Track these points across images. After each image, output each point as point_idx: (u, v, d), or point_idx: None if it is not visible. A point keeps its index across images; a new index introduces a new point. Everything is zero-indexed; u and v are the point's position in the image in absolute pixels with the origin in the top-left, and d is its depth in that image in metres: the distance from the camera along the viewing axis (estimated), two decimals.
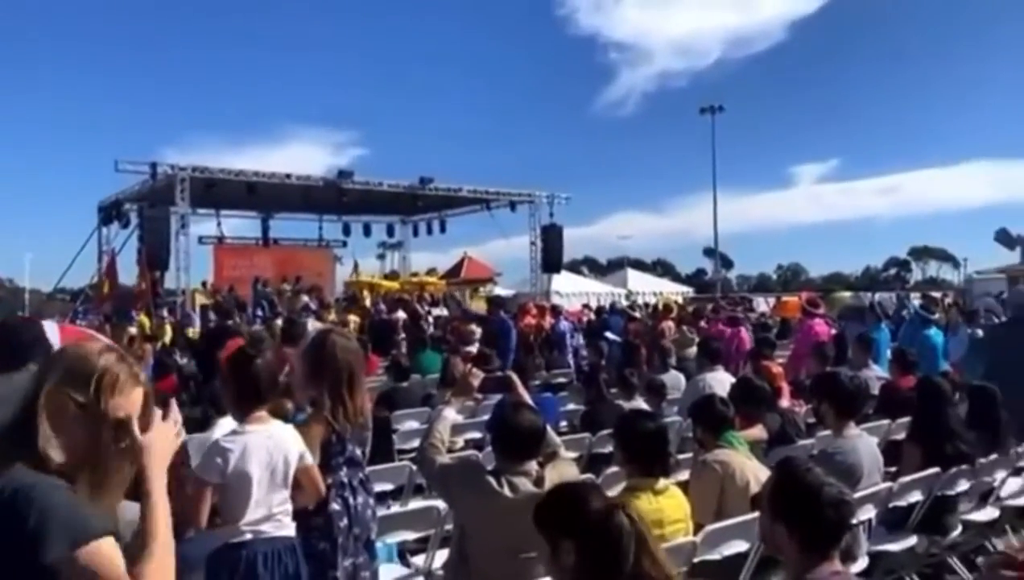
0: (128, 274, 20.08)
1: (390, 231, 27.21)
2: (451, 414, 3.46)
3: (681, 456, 5.17)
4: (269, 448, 2.83)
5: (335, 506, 3.05)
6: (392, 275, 27.91)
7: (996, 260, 32.44)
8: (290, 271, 22.93)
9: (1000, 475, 4.93)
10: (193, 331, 14.44)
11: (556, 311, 14.15)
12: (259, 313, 19.32)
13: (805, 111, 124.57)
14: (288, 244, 26.27)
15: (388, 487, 4.88)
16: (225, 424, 3.24)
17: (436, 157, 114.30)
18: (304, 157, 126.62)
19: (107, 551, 1.52)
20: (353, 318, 16.43)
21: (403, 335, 13.32)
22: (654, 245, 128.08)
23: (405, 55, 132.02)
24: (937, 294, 13.57)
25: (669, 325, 11.85)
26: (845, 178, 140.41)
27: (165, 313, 16.25)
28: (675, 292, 31.09)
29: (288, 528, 2.88)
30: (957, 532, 4.65)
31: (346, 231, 25.38)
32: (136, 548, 1.61)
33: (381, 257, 46.92)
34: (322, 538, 3.02)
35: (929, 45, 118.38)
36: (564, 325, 12.85)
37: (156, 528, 1.65)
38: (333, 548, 3.01)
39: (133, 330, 12.37)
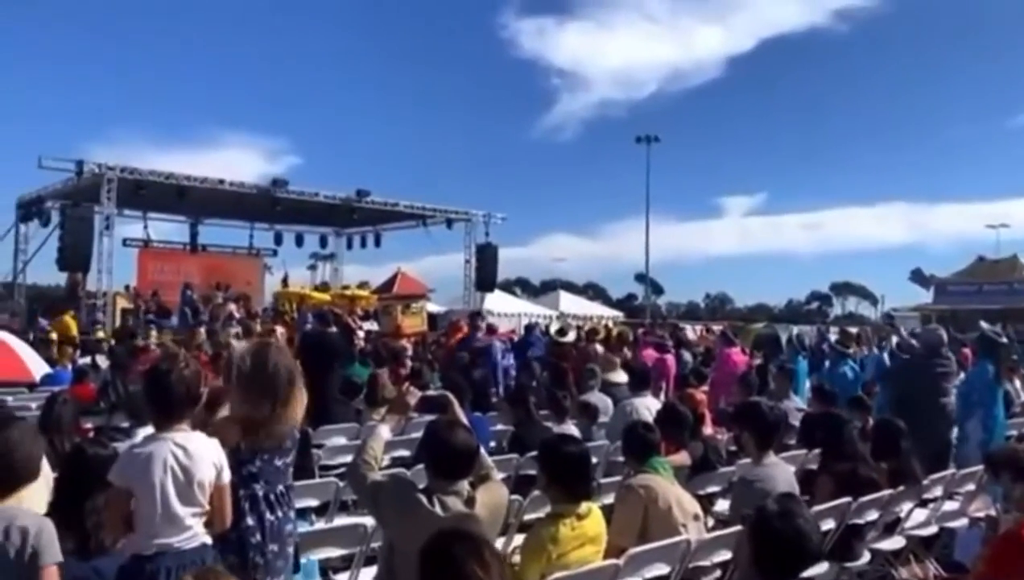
0: (44, 273, 19.40)
1: (323, 242, 26.93)
2: (386, 432, 3.45)
3: (608, 479, 5.26)
4: (179, 457, 2.79)
5: (249, 521, 2.98)
6: (323, 287, 27.52)
7: (910, 298, 34.12)
8: (218, 278, 22.40)
9: (907, 506, 5.16)
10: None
11: (491, 328, 14.11)
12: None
13: (737, 145, 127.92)
14: (217, 251, 25.66)
15: (312, 503, 4.82)
16: (145, 433, 3.20)
17: (371, 171, 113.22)
18: (235, 163, 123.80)
19: None
20: (280, 330, 16.13)
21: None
22: (587, 268, 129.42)
23: (344, 71, 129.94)
24: (854, 329, 14.12)
25: (597, 348, 12.00)
26: (771, 212, 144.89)
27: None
28: (606, 316, 31.54)
29: (199, 540, 2.82)
30: (865, 560, 4.85)
31: (278, 240, 24.99)
32: None
33: (312, 268, 46.16)
34: (232, 552, 2.94)
35: (854, 87, 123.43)
36: (496, 343, 12.84)
37: None
38: (243, 564, 2.93)
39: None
